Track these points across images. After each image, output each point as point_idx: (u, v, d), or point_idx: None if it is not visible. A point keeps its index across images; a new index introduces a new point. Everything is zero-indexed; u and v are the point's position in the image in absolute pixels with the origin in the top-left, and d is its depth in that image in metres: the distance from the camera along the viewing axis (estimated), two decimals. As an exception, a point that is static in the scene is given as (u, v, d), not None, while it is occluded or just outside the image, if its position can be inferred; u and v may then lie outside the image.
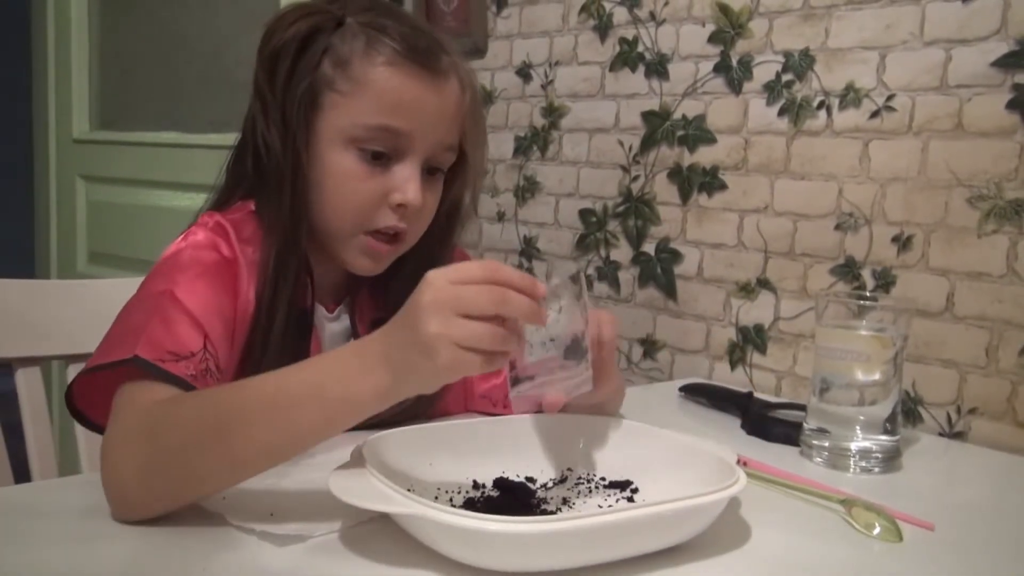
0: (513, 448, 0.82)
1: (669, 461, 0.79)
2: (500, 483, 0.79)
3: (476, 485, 0.78)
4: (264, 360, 0.82)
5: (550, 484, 0.80)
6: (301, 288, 0.86)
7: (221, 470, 0.68)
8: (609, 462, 0.82)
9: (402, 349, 0.64)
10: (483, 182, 1.01)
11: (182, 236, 0.85)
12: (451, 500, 0.75)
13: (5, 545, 0.65)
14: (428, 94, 0.84)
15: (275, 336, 0.83)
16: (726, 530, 0.73)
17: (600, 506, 0.76)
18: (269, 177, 0.85)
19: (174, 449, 0.68)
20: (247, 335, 0.83)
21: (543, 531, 0.61)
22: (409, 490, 0.64)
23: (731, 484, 0.67)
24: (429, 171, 0.87)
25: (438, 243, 0.93)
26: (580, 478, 0.82)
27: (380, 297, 0.94)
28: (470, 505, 0.74)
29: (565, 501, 0.77)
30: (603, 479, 0.81)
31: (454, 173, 0.91)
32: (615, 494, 0.78)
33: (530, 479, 0.81)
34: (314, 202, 0.85)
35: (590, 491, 0.79)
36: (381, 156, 0.84)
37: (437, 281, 0.63)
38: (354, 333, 0.93)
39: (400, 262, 0.91)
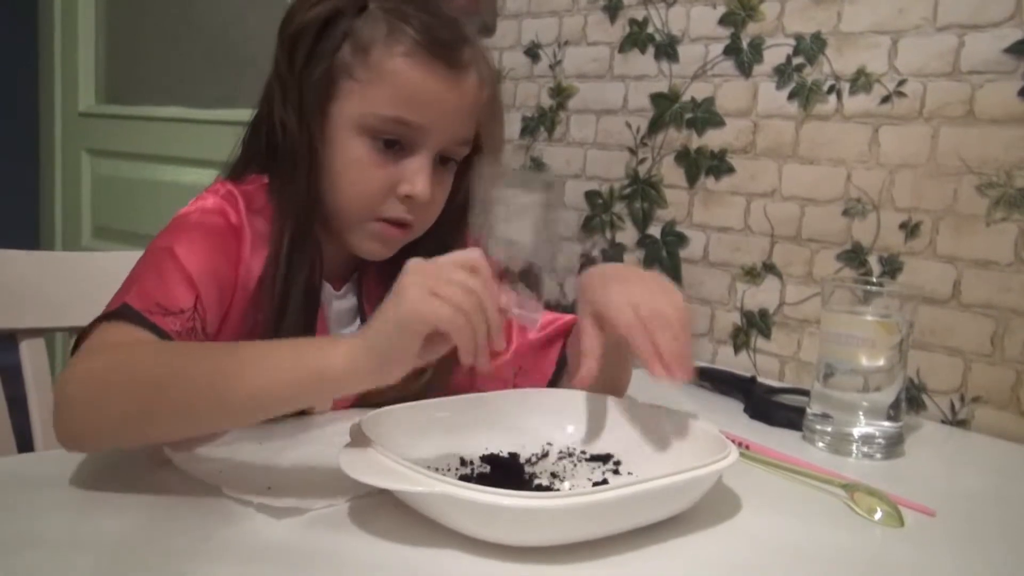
0: (493, 425, 0.82)
1: (643, 432, 0.80)
2: (489, 459, 0.79)
3: (464, 462, 0.78)
4: (274, 336, 0.83)
5: (534, 459, 0.81)
6: (310, 266, 0.86)
7: (173, 414, 0.68)
8: (586, 436, 0.83)
9: (378, 314, 0.66)
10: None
11: (193, 200, 0.86)
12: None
13: (5, 513, 0.66)
14: (446, 89, 0.83)
15: (289, 314, 0.83)
16: (728, 512, 0.73)
17: (590, 479, 0.77)
18: (284, 157, 0.85)
19: (131, 379, 0.68)
20: (253, 311, 0.83)
21: (561, 506, 0.62)
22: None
23: (726, 455, 0.69)
24: (441, 161, 0.87)
25: (450, 231, 0.93)
26: (561, 452, 0.82)
27: (387, 277, 0.94)
28: (465, 481, 0.74)
29: (555, 475, 0.77)
30: (584, 453, 0.82)
31: (468, 164, 0.90)
32: (600, 467, 0.79)
33: (513, 455, 0.81)
34: (326, 185, 0.85)
35: (574, 465, 0.80)
36: (393, 145, 0.83)
37: (419, 261, 0.67)
38: (360, 312, 0.93)
39: (412, 247, 0.91)
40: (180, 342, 0.74)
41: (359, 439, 0.69)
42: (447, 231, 0.92)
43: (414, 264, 0.66)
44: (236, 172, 0.90)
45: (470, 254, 0.67)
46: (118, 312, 0.73)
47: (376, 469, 0.64)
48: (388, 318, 0.65)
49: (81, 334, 0.76)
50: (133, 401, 0.67)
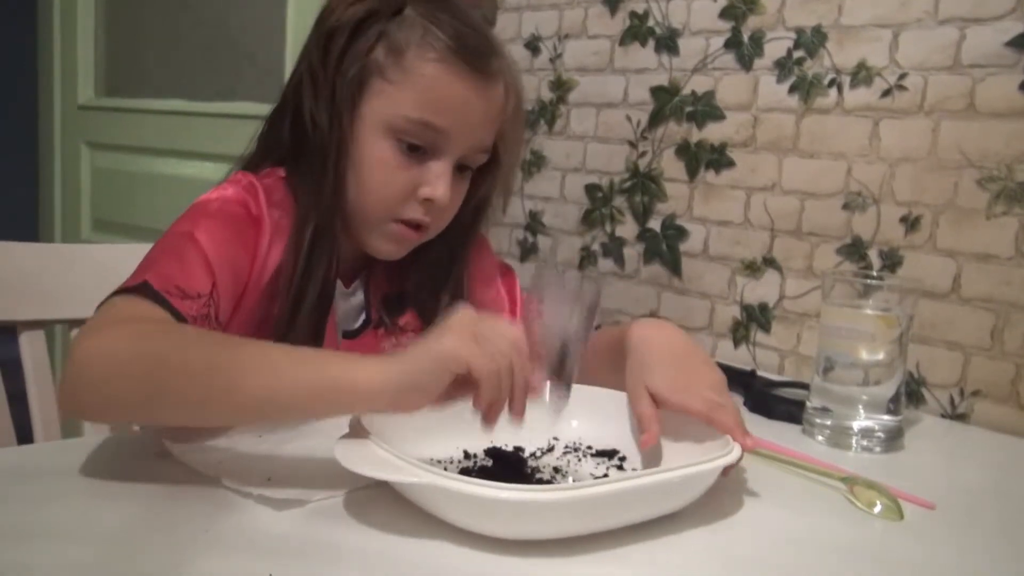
0: (500, 419, 0.82)
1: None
2: (492, 452, 0.79)
3: (467, 455, 0.79)
4: (287, 332, 0.83)
5: (539, 453, 0.81)
6: (327, 262, 0.86)
7: (186, 402, 0.67)
8: (594, 431, 0.83)
9: (416, 345, 0.66)
10: (514, 183, 1.02)
11: (214, 189, 0.86)
12: (445, 469, 0.75)
13: (5, 504, 0.65)
14: (474, 97, 0.84)
15: (304, 308, 0.84)
16: (728, 505, 0.73)
17: (592, 474, 0.77)
18: (312, 152, 0.86)
19: (151, 360, 0.66)
20: (268, 302, 0.84)
21: (549, 499, 0.61)
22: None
23: (726, 453, 0.68)
24: (459, 168, 0.87)
25: (461, 237, 0.94)
26: (567, 447, 0.82)
27: (394, 275, 0.95)
28: (465, 474, 0.74)
29: (557, 470, 0.77)
30: (590, 448, 0.82)
31: (484, 173, 0.91)
32: (604, 462, 0.80)
33: (519, 448, 0.81)
34: (350, 184, 0.86)
35: (579, 460, 0.80)
36: (417, 149, 0.84)
37: (471, 311, 0.67)
38: (367, 307, 0.94)
39: (422, 249, 0.92)
40: (199, 328, 0.74)
41: (357, 430, 0.69)
42: (458, 236, 0.93)
43: (465, 312, 0.67)
44: (252, 165, 0.91)
45: (515, 330, 0.68)
46: (137, 288, 0.73)
47: (369, 459, 0.64)
48: (426, 350, 0.65)
49: (100, 305, 0.75)
50: (145, 382, 0.66)
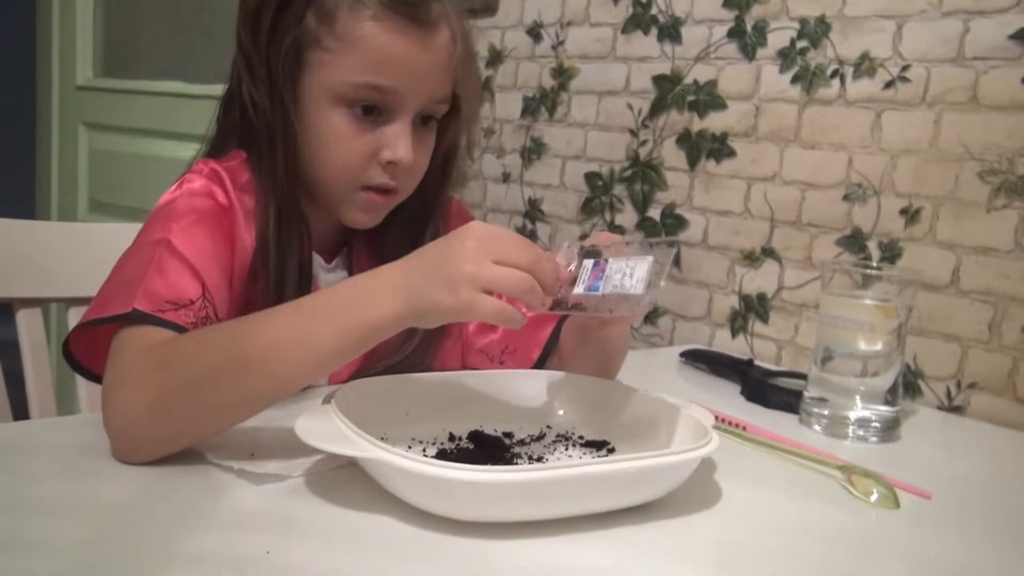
0: (493, 402, 0.82)
1: (648, 423, 0.78)
2: (474, 436, 0.78)
3: (452, 437, 0.78)
4: None
5: (527, 440, 0.80)
6: (298, 240, 0.85)
7: (235, 404, 0.68)
8: (589, 421, 0.82)
9: (424, 280, 0.65)
10: (478, 128, 1.00)
11: (177, 184, 0.84)
12: (424, 451, 0.75)
13: (1, 480, 0.65)
14: (418, 50, 0.81)
15: (287, 289, 0.83)
16: (725, 491, 0.73)
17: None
18: (260, 134, 0.84)
19: (186, 384, 0.67)
20: (248, 286, 0.82)
21: (487, 480, 0.60)
22: (382, 439, 0.63)
23: (699, 447, 0.66)
24: (422, 121, 0.85)
25: (434, 191, 0.92)
26: (558, 436, 0.81)
27: (377, 246, 0.93)
28: (442, 456, 0.73)
29: (539, 458, 0.76)
30: (581, 437, 0.81)
31: (448, 121, 0.89)
32: (591, 453, 0.78)
33: (507, 434, 0.80)
34: (306, 159, 0.84)
35: (566, 448, 0.79)
36: (371, 112, 0.82)
37: (481, 229, 0.66)
38: None
39: (396, 210, 0.89)
40: (219, 325, 0.73)
41: (326, 404, 0.69)
42: (430, 190, 0.91)
43: (473, 241, 0.65)
44: (215, 149, 0.89)
45: (527, 243, 0.67)
46: (130, 318, 0.72)
47: (326, 433, 0.63)
48: (438, 303, 0.65)
49: (74, 332, 0.76)
50: (195, 405, 0.67)
